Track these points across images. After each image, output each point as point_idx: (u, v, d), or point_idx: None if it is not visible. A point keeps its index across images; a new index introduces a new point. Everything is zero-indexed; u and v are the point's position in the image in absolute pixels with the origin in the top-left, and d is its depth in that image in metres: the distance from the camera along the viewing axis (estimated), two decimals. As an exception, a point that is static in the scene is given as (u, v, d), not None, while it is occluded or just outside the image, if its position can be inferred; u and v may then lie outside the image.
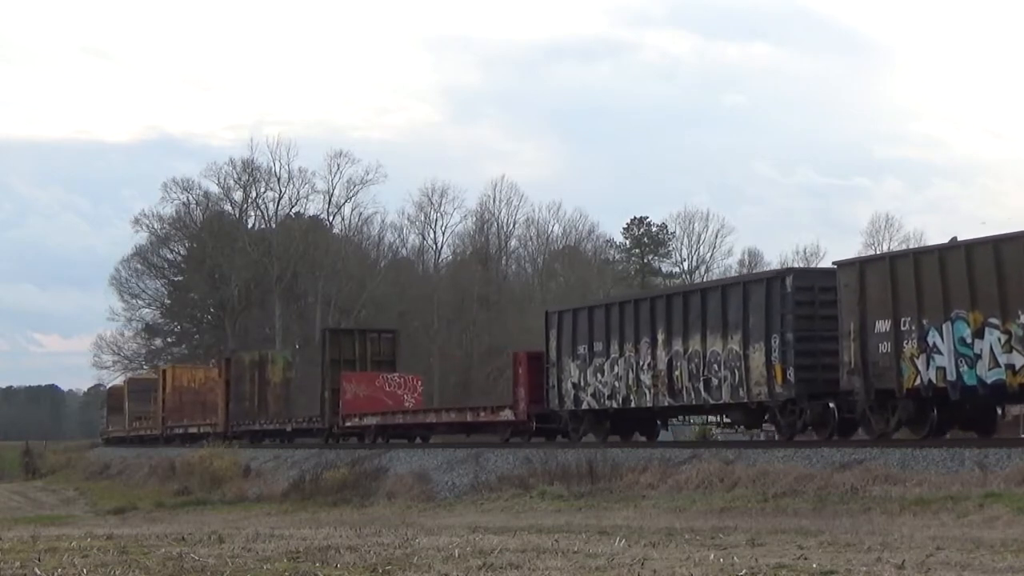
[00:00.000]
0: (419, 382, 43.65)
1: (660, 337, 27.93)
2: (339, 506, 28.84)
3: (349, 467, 33.44)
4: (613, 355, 29.39)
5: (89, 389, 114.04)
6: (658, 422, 31.13)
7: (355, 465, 33.58)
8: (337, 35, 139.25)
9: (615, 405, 29.33)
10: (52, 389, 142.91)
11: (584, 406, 30.31)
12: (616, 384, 29.18)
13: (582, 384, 30.27)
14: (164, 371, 63.34)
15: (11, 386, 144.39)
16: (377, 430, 39.76)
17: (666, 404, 28.00)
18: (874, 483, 20.05)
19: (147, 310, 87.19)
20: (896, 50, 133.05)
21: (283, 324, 77.08)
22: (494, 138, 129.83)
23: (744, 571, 9.86)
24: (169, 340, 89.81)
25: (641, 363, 28.41)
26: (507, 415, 33.14)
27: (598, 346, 29.94)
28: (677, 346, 27.33)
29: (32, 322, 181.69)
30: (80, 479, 55.92)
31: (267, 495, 34.13)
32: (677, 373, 27.33)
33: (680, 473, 23.95)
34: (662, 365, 27.76)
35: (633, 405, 28.81)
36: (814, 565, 10.25)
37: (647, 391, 28.25)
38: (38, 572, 9.97)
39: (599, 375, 29.76)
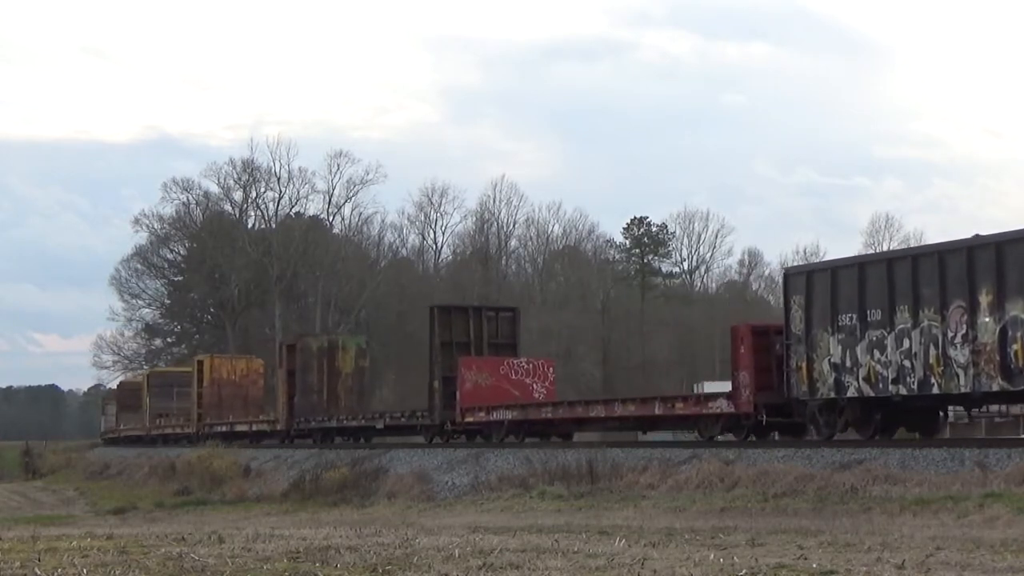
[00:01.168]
0: (551, 368, 37.08)
1: (984, 299, 21.64)
2: (339, 506, 28.84)
3: (349, 467, 33.42)
4: (902, 325, 23.00)
5: (89, 389, 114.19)
6: (941, 414, 25.44)
7: (355, 465, 33.57)
8: (336, 35, 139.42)
9: (903, 391, 22.97)
10: (52, 389, 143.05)
11: (850, 393, 23.96)
12: (907, 364, 22.78)
13: (847, 365, 23.97)
14: (201, 362, 57.31)
15: (11, 386, 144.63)
16: (510, 426, 33.41)
17: (995, 389, 21.71)
18: (874, 483, 20.04)
19: (147, 310, 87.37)
20: (896, 50, 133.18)
21: (283, 324, 77.05)
22: (494, 138, 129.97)
23: (744, 571, 9.85)
24: (169, 340, 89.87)
25: (951, 335, 22.14)
26: (720, 406, 26.98)
27: (875, 313, 23.62)
28: (1016, 311, 21.13)
29: (32, 322, 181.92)
30: (80, 479, 55.93)
31: (267, 495, 34.12)
32: (1016, 348, 21.07)
33: (680, 473, 23.94)
34: (988, 337, 21.50)
35: (938, 391, 22.47)
36: (814, 565, 10.25)
37: (960, 373, 21.91)
38: (38, 572, 9.97)
39: (876, 352, 23.48)
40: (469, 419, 34.63)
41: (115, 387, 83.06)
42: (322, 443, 42.32)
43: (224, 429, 51.94)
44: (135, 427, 67.85)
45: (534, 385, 35.80)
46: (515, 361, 36.24)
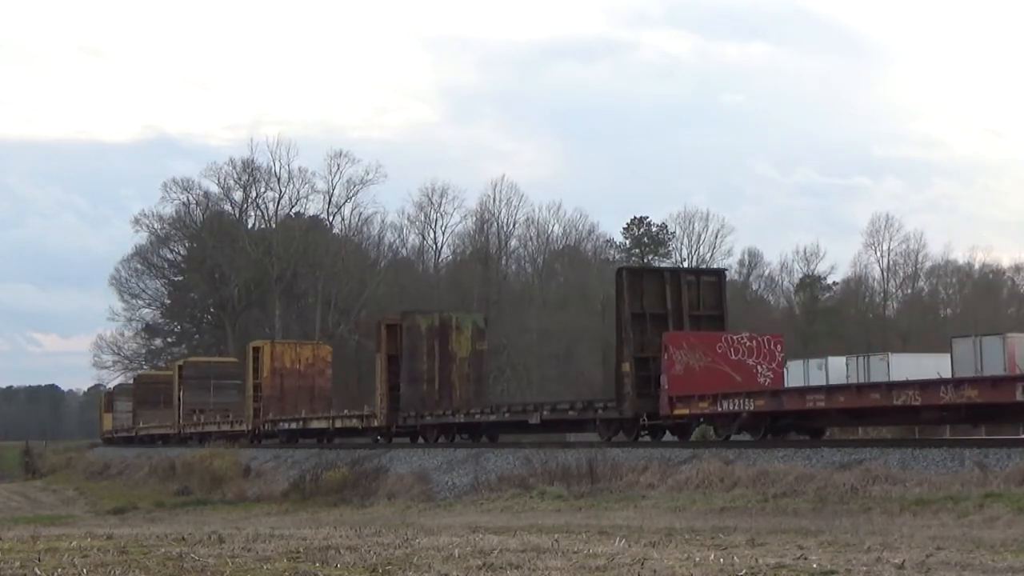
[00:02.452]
0: (779, 346, 29.77)
1: None
2: (339, 506, 28.85)
3: (349, 467, 33.43)
4: None
5: (89, 389, 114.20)
6: None
7: (355, 465, 33.58)
8: (336, 35, 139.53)
9: None
10: (52, 389, 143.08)
11: None
12: None
13: None
14: (258, 348, 50.41)
15: (11, 386, 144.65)
16: (748, 421, 26.23)
17: None
18: (874, 483, 20.05)
19: (147, 310, 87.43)
20: (896, 50, 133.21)
21: (283, 324, 77.06)
22: (493, 138, 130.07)
23: (744, 571, 9.85)
24: (169, 340, 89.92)
25: None
26: None
27: None
28: None
29: (31, 322, 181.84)
30: (80, 479, 55.93)
31: (267, 495, 34.13)
32: None
33: (680, 473, 23.95)
34: None
35: None
36: (814, 565, 10.25)
37: None
38: (38, 572, 9.97)
39: None
40: (681, 411, 27.72)
41: (130, 381, 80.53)
42: (438, 442, 35.94)
43: (293, 426, 45.60)
44: (161, 425, 62.14)
45: (758, 367, 28.73)
46: (735, 337, 29.21)
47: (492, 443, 34.05)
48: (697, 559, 10.76)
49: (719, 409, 26.60)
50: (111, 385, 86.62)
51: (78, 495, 47.03)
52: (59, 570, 10.10)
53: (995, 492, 17.92)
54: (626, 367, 29.10)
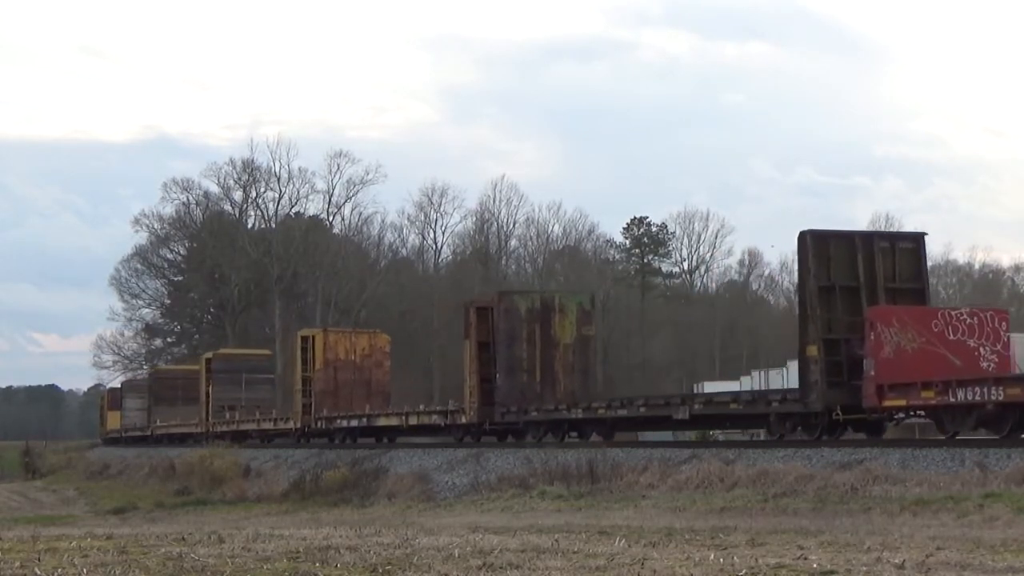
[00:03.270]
0: (1004, 324, 24.75)
1: None
2: (339, 506, 28.84)
3: (349, 467, 33.43)
4: None
5: (89, 389, 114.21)
6: None
7: (355, 465, 33.58)
8: (335, 35, 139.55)
9: None
10: (52, 389, 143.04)
11: None
12: None
13: None
14: (308, 339, 45.22)
15: (11, 386, 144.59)
16: (998, 413, 21.58)
17: None
18: (874, 483, 20.04)
19: (147, 310, 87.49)
20: (896, 49, 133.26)
21: (283, 324, 77.09)
22: (493, 138, 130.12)
23: (744, 571, 9.85)
24: (169, 340, 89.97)
25: None
26: None
27: None
28: None
29: (31, 322, 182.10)
30: (80, 479, 55.90)
31: (267, 495, 34.12)
32: None
33: (680, 473, 23.95)
34: None
35: None
36: (814, 565, 10.25)
37: None
38: (38, 572, 9.96)
39: None
40: (895, 401, 23.31)
41: (139, 377, 78.33)
42: (542, 441, 31.42)
43: (354, 423, 41.01)
44: (184, 423, 57.57)
45: (980, 348, 24.25)
46: (953, 313, 24.70)
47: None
48: (697, 559, 10.76)
49: (951, 400, 21.93)
50: (113, 382, 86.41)
51: (78, 495, 47.01)
52: (59, 570, 10.09)
53: (995, 492, 17.91)
54: (812, 350, 24.34)
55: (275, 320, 77.81)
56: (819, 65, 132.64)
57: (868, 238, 25.81)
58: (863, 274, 24.94)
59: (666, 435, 34.31)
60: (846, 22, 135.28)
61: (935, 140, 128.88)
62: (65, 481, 55.97)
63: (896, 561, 10.47)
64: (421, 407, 38.81)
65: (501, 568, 10.16)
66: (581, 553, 11.45)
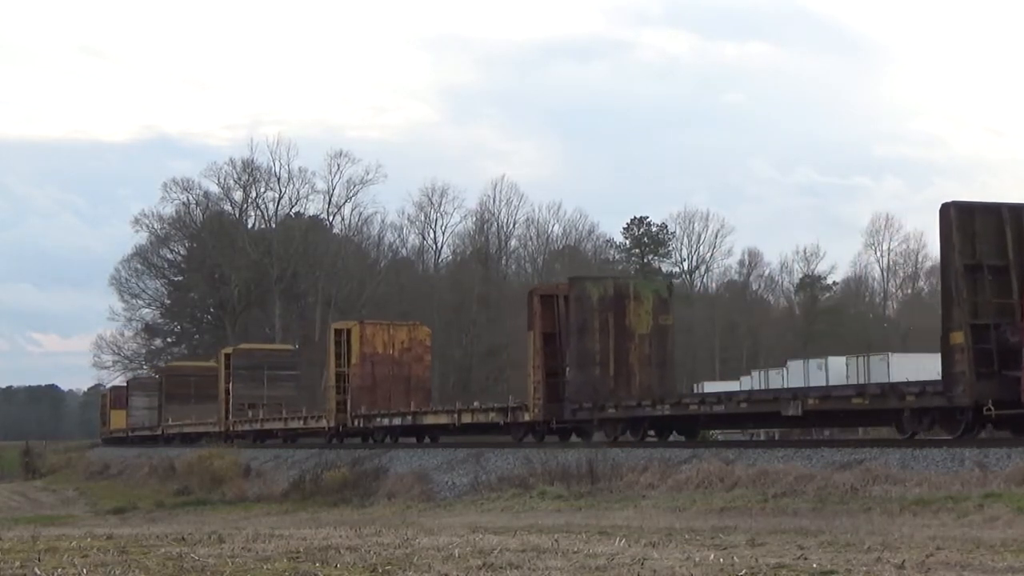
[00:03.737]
0: None
1: None
2: (339, 506, 28.84)
3: (349, 467, 33.44)
4: None
5: (89, 389, 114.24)
6: None
7: (355, 465, 33.58)
8: (334, 34, 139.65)
9: None
10: (52, 389, 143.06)
11: None
12: None
13: None
14: (343, 331, 42.10)
15: (11, 386, 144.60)
16: None
17: None
18: (874, 483, 20.05)
19: (147, 310, 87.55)
20: (896, 49, 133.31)
21: (283, 324, 77.11)
22: (492, 138, 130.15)
23: (744, 571, 9.85)
24: (169, 340, 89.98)
25: None
26: None
27: None
28: None
29: (31, 322, 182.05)
30: (80, 479, 55.91)
31: (267, 495, 34.13)
32: None
33: (680, 473, 23.95)
34: None
35: None
36: (814, 565, 10.25)
37: None
38: (38, 572, 9.96)
39: None
40: None
41: (151, 374, 76.87)
42: (617, 440, 29.10)
43: (396, 422, 38.06)
44: (199, 422, 55.08)
45: None
46: None
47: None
48: (697, 559, 10.76)
49: None
50: (113, 382, 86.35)
51: (78, 495, 47.01)
52: (59, 570, 10.09)
53: (995, 492, 17.91)
54: (958, 337, 21.93)
55: (275, 320, 77.81)
56: (819, 65, 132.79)
57: (1017, 211, 22.86)
58: (1013, 252, 22.43)
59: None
60: (846, 22, 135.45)
61: (935, 140, 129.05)
62: (65, 481, 55.98)
63: (896, 561, 10.47)
64: (476, 404, 35.90)
65: (501, 568, 10.16)
66: (581, 553, 11.45)
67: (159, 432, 61.25)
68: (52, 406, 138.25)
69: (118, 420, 72.87)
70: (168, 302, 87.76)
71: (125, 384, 77.88)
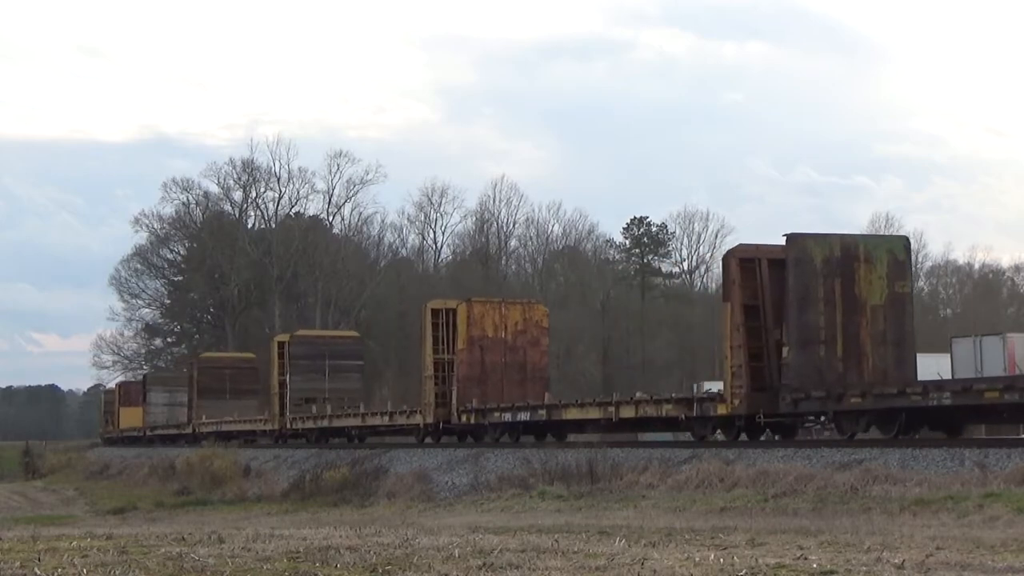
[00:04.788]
0: None
1: None
2: (339, 506, 28.85)
3: (349, 467, 33.45)
4: None
5: (89, 389, 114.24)
6: None
7: (355, 465, 33.59)
8: (333, 34, 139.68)
9: None
10: (52, 389, 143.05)
11: None
12: None
13: None
14: (443, 311, 35.80)
15: (11, 386, 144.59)
16: None
17: None
18: (874, 483, 20.05)
19: (147, 310, 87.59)
20: (895, 48, 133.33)
21: (283, 324, 77.08)
22: (491, 138, 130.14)
23: (744, 571, 9.85)
24: (169, 340, 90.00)
25: None
26: None
27: None
28: None
29: (30, 322, 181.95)
30: (80, 479, 55.89)
31: (267, 495, 34.14)
32: None
33: (680, 473, 23.95)
34: None
35: None
36: (814, 565, 10.25)
37: None
38: (38, 572, 9.96)
39: None
40: None
41: (172, 368, 73.93)
42: (853, 438, 24.07)
43: (522, 417, 32.12)
44: (244, 419, 50.40)
45: None
46: None
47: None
48: (697, 559, 10.76)
49: None
50: (114, 381, 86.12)
51: (78, 495, 47.00)
52: (59, 570, 10.09)
53: (995, 492, 17.91)
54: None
55: (275, 320, 77.82)
56: (819, 64, 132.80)
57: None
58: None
59: (666, 435, 34.26)
60: (845, 21, 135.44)
61: (935, 139, 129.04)
62: (65, 481, 55.95)
63: (896, 561, 10.47)
64: (638, 394, 30.34)
65: (501, 568, 10.16)
66: (581, 553, 11.45)
67: (189, 430, 56.33)
68: (52, 406, 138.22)
69: (131, 418, 69.76)
70: (168, 302, 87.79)
71: (139, 379, 75.30)
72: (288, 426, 45.42)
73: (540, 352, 36.39)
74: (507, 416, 32.87)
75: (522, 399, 33.60)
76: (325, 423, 43.03)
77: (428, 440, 36.50)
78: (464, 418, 34.62)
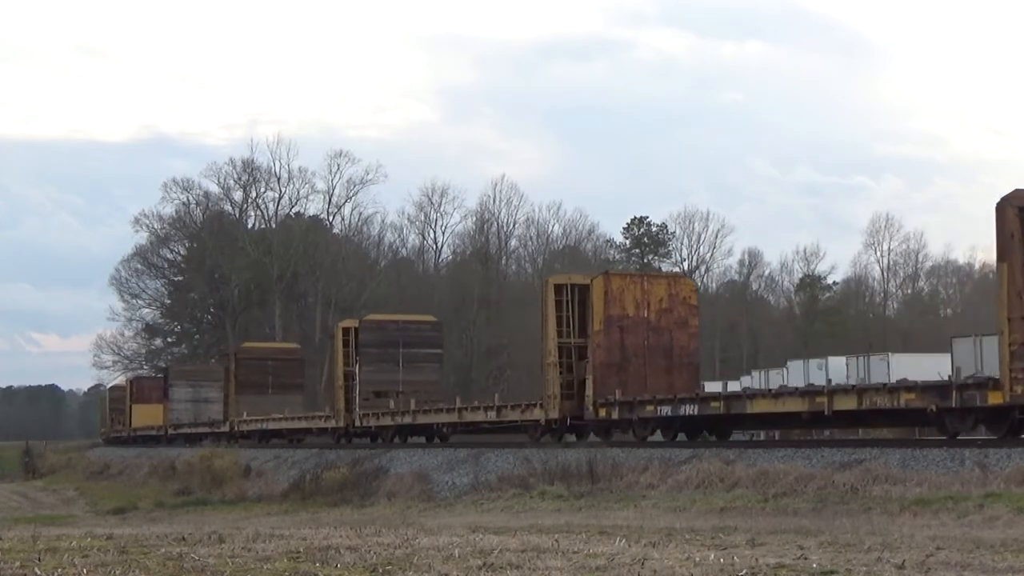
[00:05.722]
0: None
1: None
2: (339, 506, 28.85)
3: (349, 467, 33.46)
4: None
5: (89, 389, 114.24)
6: None
7: (355, 465, 33.61)
8: (332, 34, 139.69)
9: None
10: (52, 389, 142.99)
11: None
12: None
13: None
14: (582, 287, 31.02)
15: (11, 386, 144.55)
16: None
17: None
18: (874, 483, 20.05)
19: (147, 310, 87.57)
20: (895, 48, 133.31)
21: (283, 324, 77.10)
22: (491, 138, 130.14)
23: (744, 571, 9.85)
24: (169, 340, 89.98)
25: None
26: None
27: None
28: None
29: (30, 322, 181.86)
30: (80, 479, 55.91)
31: (267, 495, 34.15)
32: None
33: (680, 473, 23.96)
34: None
35: None
36: (814, 565, 10.25)
37: None
38: (38, 572, 9.96)
39: None
40: None
41: (211, 359, 69.79)
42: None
43: (689, 410, 27.40)
44: (297, 416, 46.20)
45: None
46: None
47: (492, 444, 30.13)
48: (697, 559, 10.76)
49: None
50: (112, 382, 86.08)
51: (78, 495, 47.02)
52: (59, 570, 10.09)
53: (995, 492, 17.92)
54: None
55: (275, 320, 77.82)
56: (818, 64, 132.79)
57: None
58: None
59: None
60: (844, 20, 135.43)
61: (935, 139, 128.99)
62: (65, 481, 55.98)
63: (896, 561, 10.47)
64: (884, 382, 25.46)
65: (501, 568, 10.16)
66: (581, 553, 11.45)
67: (224, 429, 51.88)
68: (52, 406, 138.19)
69: (146, 415, 65.98)
70: (168, 302, 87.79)
71: (153, 374, 72.34)
72: (357, 423, 40.27)
73: (688, 334, 31.24)
74: (665, 410, 28.07)
75: (667, 390, 29.15)
76: (406, 419, 37.61)
77: (546, 439, 31.51)
78: (603, 412, 29.80)
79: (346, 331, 42.75)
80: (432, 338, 43.83)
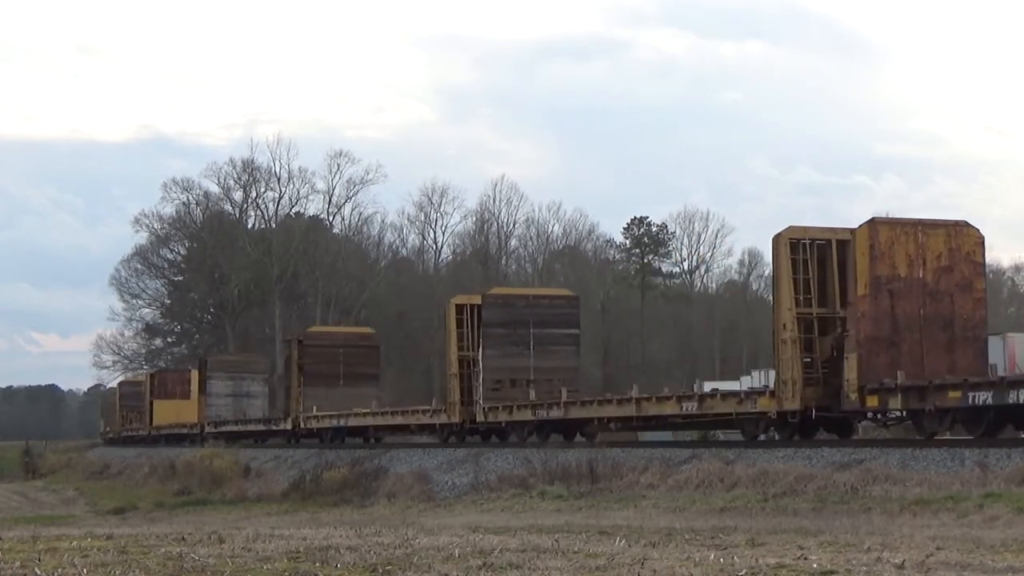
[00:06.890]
0: None
1: None
2: (339, 506, 28.86)
3: (349, 467, 33.46)
4: None
5: (89, 389, 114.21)
6: None
7: (355, 465, 33.60)
8: (332, 34, 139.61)
9: None
10: (52, 389, 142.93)
11: None
12: None
13: None
14: (843, 243, 24.17)
15: (11, 386, 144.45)
16: None
17: None
18: (874, 483, 20.04)
19: (147, 310, 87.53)
20: (895, 47, 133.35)
21: (283, 324, 77.07)
22: (491, 138, 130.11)
23: (744, 571, 9.85)
24: (169, 340, 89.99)
25: None
26: None
27: None
28: None
29: (30, 322, 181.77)
30: (80, 479, 55.91)
31: (267, 495, 34.15)
32: None
33: (680, 473, 23.95)
34: None
35: None
36: (814, 565, 10.25)
37: None
38: (38, 572, 9.97)
39: None
40: None
41: (248, 350, 65.46)
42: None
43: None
44: (401, 411, 39.75)
45: None
46: None
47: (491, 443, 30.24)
48: (697, 559, 10.76)
49: None
50: (112, 382, 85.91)
51: (78, 495, 47.02)
52: (59, 570, 10.09)
53: (995, 492, 17.91)
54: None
55: (275, 320, 77.82)
56: (818, 63, 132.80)
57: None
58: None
59: (666, 435, 34.27)
60: (844, 20, 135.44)
61: (935, 138, 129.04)
62: (65, 481, 55.98)
63: (896, 561, 10.47)
64: None
65: (501, 568, 10.16)
66: (581, 553, 11.45)
67: (285, 426, 45.64)
68: (52, 406, 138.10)
69: (169, 412, 61.23)
70: (168, 302, 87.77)
71: (178, 368, 69.01)
72: (482, 418, 33.56)
73: (974, 300, 23.71)
74: (983, 397, 20.65)
75: (947, 371, 22.63)
76: (553, 413, 30.65)
77: (768, 435, 26.00)
78: (870, 400, 22.82)
79: (460, 308, 35.47)
80: (568, 316, 36.03)
